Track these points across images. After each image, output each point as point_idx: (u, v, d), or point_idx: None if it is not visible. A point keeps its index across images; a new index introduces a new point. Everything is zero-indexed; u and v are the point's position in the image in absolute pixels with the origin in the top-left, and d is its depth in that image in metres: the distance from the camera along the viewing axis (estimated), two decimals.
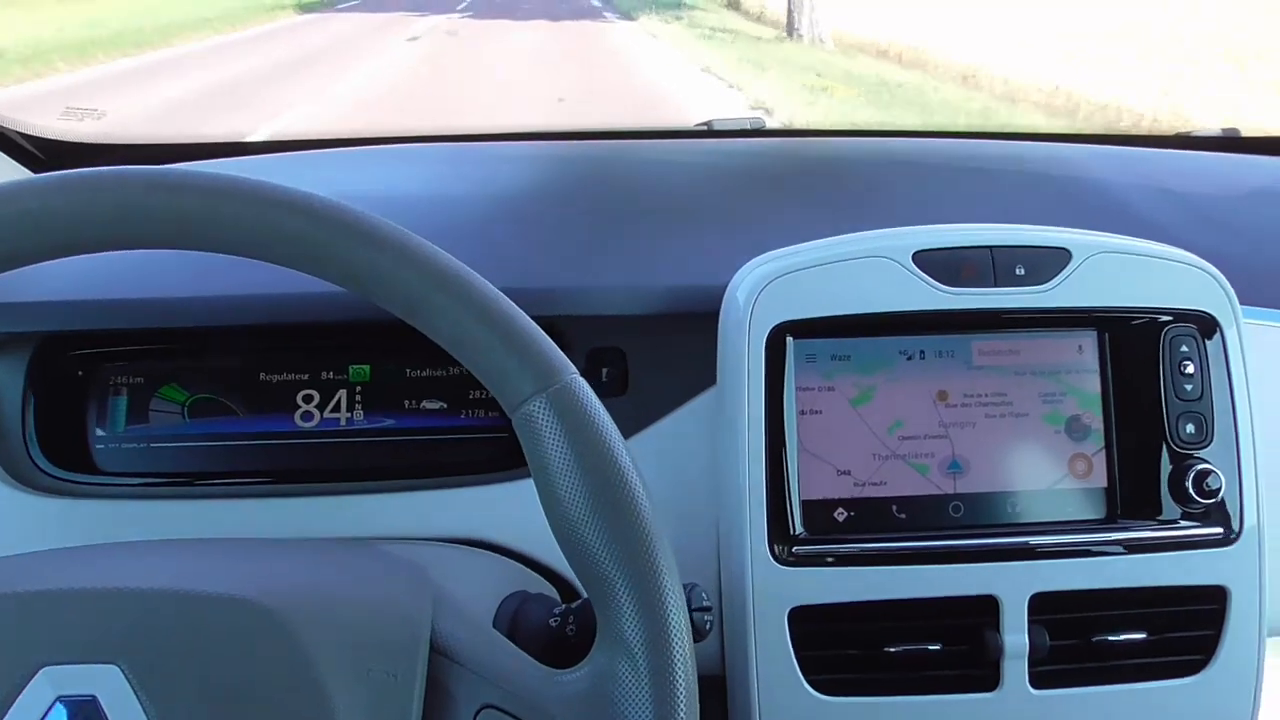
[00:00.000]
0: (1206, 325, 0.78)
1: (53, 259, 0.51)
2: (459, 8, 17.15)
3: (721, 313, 0.78)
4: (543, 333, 0.52)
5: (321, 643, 0.47)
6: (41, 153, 1.10)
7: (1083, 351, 0.78)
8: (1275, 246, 0.98)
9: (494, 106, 7.66)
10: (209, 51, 11.95)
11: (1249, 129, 1.32)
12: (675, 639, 0.48)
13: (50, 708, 0.45)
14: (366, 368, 0.85)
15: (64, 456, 0.82)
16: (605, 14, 16.41)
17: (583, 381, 0.51)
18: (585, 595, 0.59)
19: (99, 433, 0.83)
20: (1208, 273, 0.78)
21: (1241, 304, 0.79)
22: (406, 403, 0.85)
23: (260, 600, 0.48)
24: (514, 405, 0.50)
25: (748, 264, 0.79)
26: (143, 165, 0.52)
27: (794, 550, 0.74)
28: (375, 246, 0.50)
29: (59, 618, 0.47)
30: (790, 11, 12.41)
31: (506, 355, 0.50)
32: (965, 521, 0.77)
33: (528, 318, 0.51)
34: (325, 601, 0.50)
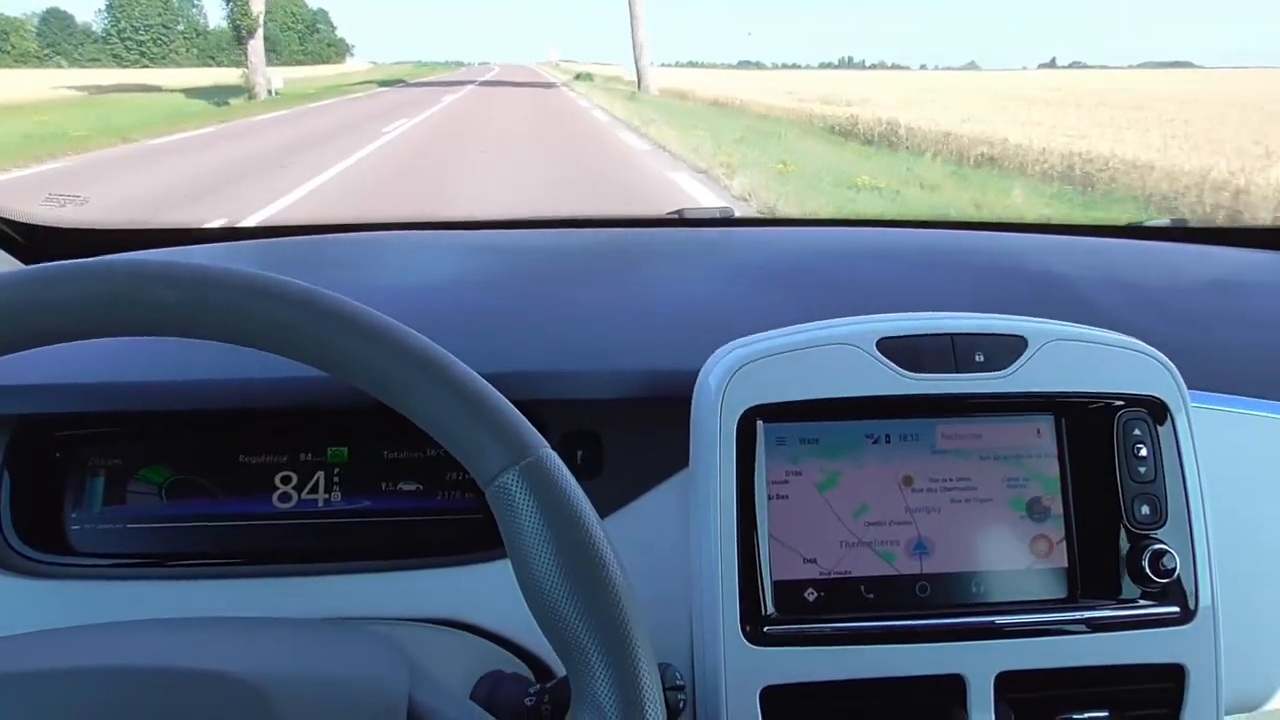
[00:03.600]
0: (1157, 410, 0.81)
1: (39, 347, 0.52)
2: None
3: (694, 397, 0.80)
4: (514, 408, 0.53)
5: (301, 716, 0.48)
6: (24, 238, 1.12)
7: (1041, 435, 0.81)
8: (1221, 333, 1.02)
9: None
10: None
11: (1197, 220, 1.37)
12: (649, 703, 0.49)
13: None
14: (344, 450, 0.86)
15: (39, 538, 0.82)
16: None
17: (555, 455, 0.53)
18: (560, 675, 0.60)
19: (75, 514, 0.83)
20: (1157, 360, 0.81)
21: (1191, 389, 0.83)
22: (384, 484, 0.86)
23: (241, 676, 0.49)
24: (487, 479, 0.52)
25: (719, 350, 0.81)
26: (125, 253, 0.54)
27: (765, 630, 0.75)
28: (349, 329, 0.52)
29: (38, 698, 0.48)
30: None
31: (479, 430, 0.52)
32: (932, 602, 0.78)
33: (499, 394, 0.53)
34: (304, 676, 0.51)
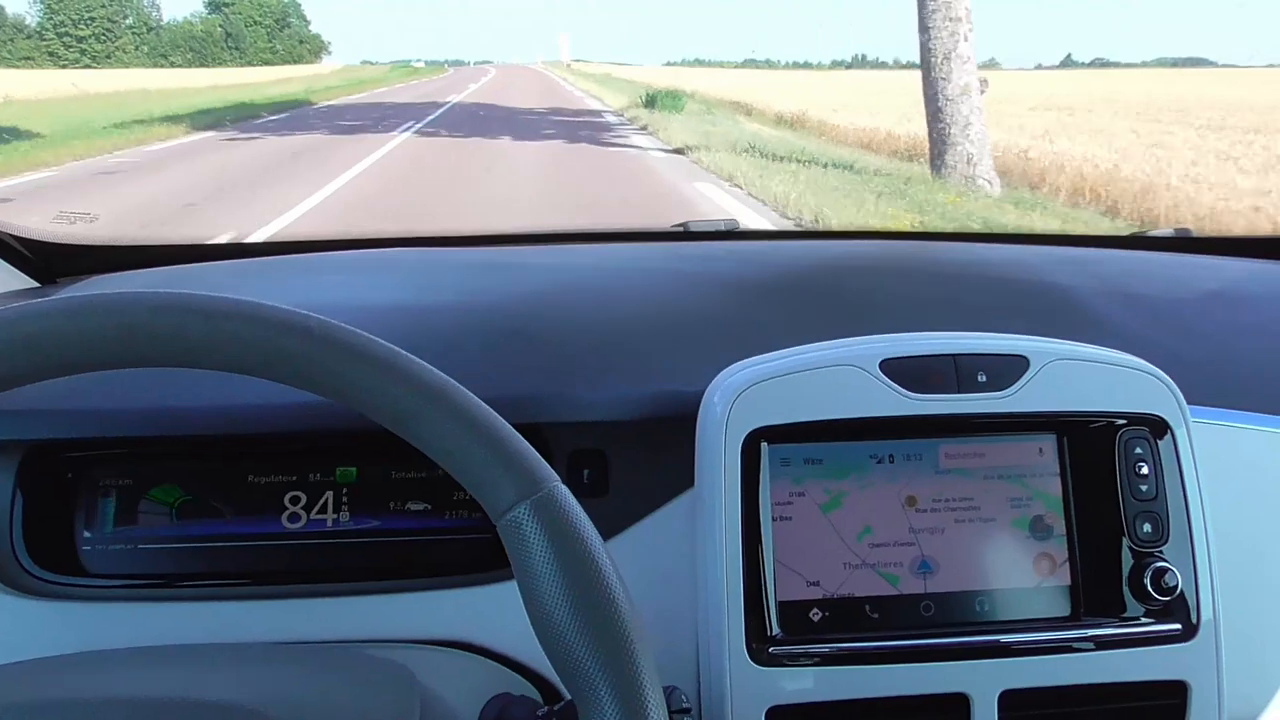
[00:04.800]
0: (1158, 427, 0.81)
1: (57, 378, 0.53)
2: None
3: (699, 418, 0.81)
4: (525, 442, 0.54)
5: None
6: (35, 254, 1.13)
7: (1043, 454, 0.82)
8: (1224, 346, 1.03)
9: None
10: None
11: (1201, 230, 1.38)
12: None
13: None
14: (353, 470, 0.87)
15: (51, 559, 0.83)
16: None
17: (565, 489, 0.54)
18: (568, 697, 0.61)
19: (86, 534, 0.84)
20: (1158, 378, 0.82)
21: (1194, 404, 0.84)
22: (392, 504, 0.86)
23: (254, 707, 0.50)
24: (499, 513, 0.53)
25: (724, 371, 0.82)
26: (139, 270, 0.55)
27: (771, 650, 0.76)
28: (364, 363, 0.53)
29: None
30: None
31: (491, 465, 0.53)
32: (936, 620, 0.79)
33: (510, 427, 0.54)
34: (316, 706, 0.52)
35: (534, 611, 0.52)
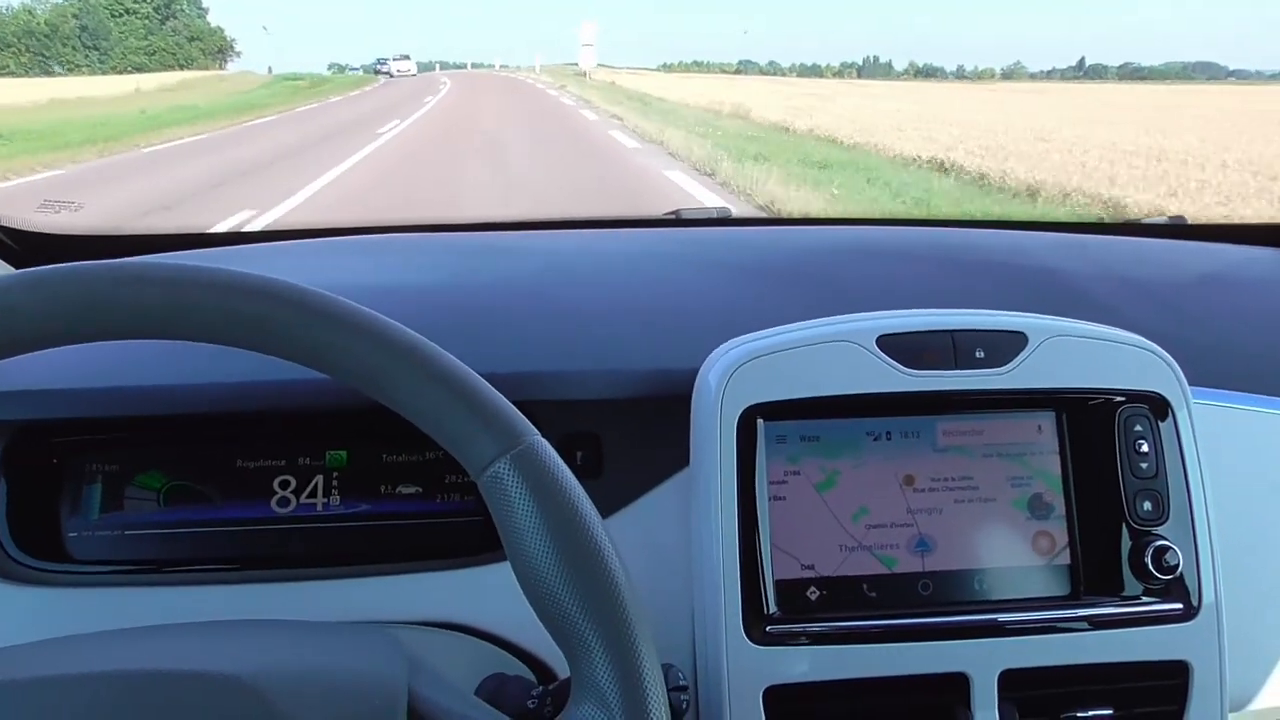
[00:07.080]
0: (1158, 406, 0.81)
1: (20, 354, 0.52)
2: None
3: (693, 396, 0.80)
4: (503, 397, 0.53)
5: (301, 712, 0.48)
6: (18, 244, 1.12)
7: (1042, 432, 0.81)
8: (1220, 329, 1.02)
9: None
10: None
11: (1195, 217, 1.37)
12: (649, 685, 0.49)
13: None
14: (343, 453, 0.86)
15: (37, 545, 0.81)
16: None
17: (544, 442, 0.53)
18: (562, 676, 0.60)
19: (73, 520, 0.83)
20: (1158, 355, 0.81)
21: (1193, 385, 0.83)
22: (383, 487, 0.85)
23: (238, 675, 0.48)
24: (479, 468, 0.52)
25: (718, 349, 0.81)
26: (110, 258, 0.53)
27: (768, 630, 0.75)
28: (334, 324, 0.52)
29: (36, 704, 0.47)
30: None
31: (469, 420, 0.52)
32: (934, 599, 0.78)
33: (487, 383, 0.53)
34: (301, 672, 0.51)
35: (519, 567, 0.51)
